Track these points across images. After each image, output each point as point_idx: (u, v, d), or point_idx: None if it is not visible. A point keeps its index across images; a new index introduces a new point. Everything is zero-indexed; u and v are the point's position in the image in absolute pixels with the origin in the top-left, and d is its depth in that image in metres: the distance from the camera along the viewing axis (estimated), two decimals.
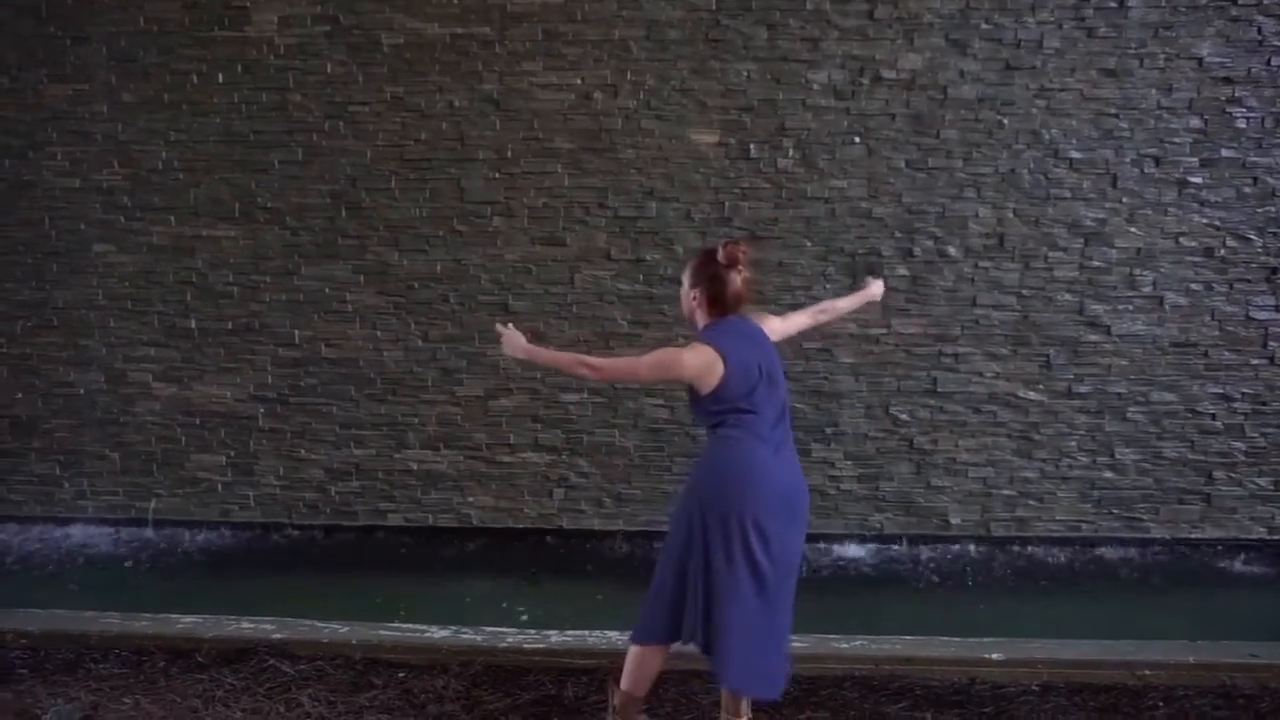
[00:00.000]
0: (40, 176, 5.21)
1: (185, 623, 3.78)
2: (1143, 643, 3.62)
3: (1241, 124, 4.87)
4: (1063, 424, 5.08)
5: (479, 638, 3.67)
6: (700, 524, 2.74)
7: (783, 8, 4.88)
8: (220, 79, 5.08)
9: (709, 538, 2.73)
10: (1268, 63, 4.82)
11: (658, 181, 5.03)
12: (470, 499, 5.28)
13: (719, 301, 2.81)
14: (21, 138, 5.19)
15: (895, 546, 5.17)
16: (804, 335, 4.94)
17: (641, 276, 5.08)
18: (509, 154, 5.04)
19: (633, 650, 2.93)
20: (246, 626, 3.73)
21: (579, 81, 4.98)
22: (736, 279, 2.79)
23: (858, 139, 4.96)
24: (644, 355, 2.84)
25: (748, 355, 2.77)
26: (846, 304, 3.47)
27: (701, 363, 2.72)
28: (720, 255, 2.80)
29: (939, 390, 5.09)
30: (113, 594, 4.56)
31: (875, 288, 3.53)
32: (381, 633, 3.70)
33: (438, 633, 3.70)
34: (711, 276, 2.81)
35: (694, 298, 2.86)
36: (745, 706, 2.96)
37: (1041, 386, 5.07)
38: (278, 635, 3.65)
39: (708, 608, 2.74)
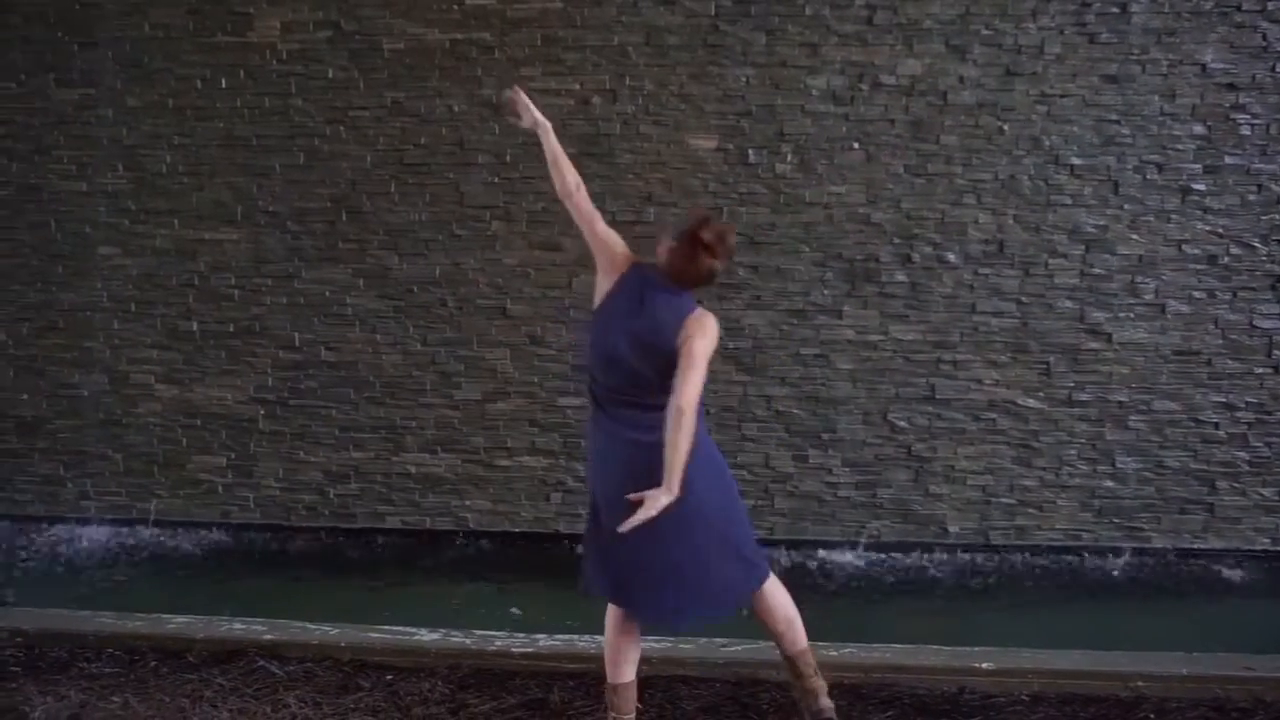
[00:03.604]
0: (46, 180, 5.27)
1: (177, 623, 3.79)
2: (1136, 654, 3.56)
3: (1246, 130, 4.82)
4: (1063, 432, 5.03)
5: (467, 640, 3.65)
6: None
7: (781, 13, 4.88)
8: (223, 84, 5.13)
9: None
10: (1272, 69, 4.77)
11: (656, 187, 5.03)
12: (467, 502, 5.28)
13: (674, 274, 2.75)
14: (28, 142, 5.25)
15: (892, 554, 5.13)
16: (801, 340, 5.00)
17: None
18: (508, 159, 5.06)
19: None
20: (238, 627, 3.73)
21: (578, 87, 4.99)
22: (703, 268, 2.72)
23: (856, 144, 4.94)
24: (696, 361, 2.61)
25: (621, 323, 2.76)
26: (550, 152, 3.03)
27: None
28: (706, 234, 2.70)
29: (937, 397, 5.06)
30: (111, 593, 4.60)
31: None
32: (370, 635, 3.69)
33: (426, 635, 3.69)
34: (683, 250, 2.74)
35: (668, 248, 2.76)
36: None
37: (1041, 394, 5.02)
38: (268, 636, 3.65)
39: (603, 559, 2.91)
